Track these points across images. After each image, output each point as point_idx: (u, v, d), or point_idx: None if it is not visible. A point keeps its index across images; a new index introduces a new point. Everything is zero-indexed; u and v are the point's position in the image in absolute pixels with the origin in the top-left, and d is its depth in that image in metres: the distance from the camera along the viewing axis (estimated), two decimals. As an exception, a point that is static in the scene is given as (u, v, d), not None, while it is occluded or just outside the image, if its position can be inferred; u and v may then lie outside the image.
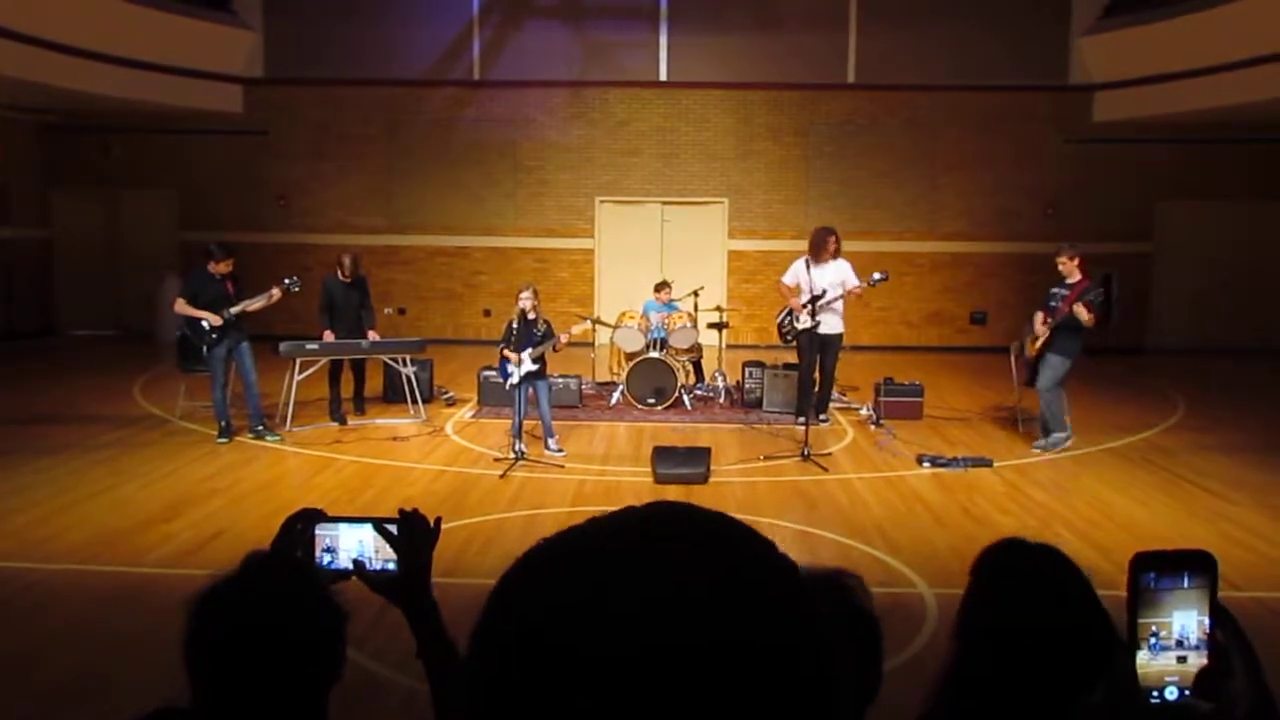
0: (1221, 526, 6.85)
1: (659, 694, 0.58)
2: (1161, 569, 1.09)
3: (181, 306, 8.89)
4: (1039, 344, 9.00)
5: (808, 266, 9.73)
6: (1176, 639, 1.09)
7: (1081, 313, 8.64)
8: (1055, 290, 8.97)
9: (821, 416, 10.04)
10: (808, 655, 0.63)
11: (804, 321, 9.63)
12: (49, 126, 15.84)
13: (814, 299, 9.35)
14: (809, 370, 9.85)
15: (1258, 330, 15.49)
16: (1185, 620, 1.09)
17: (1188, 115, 13.97)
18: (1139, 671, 1.09)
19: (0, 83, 12.46)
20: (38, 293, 16.01)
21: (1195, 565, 1.10)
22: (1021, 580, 1.67)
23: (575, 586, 0.63)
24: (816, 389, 9.95)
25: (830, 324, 9.74)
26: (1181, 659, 1.09)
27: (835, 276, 9.75)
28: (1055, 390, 8.94)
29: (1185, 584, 1.09)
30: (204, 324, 8.82)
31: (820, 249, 9.81)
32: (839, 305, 9.78)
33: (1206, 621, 1.09)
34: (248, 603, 1.51)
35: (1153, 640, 1.09)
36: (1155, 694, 1.09)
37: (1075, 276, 8.89)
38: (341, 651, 1.57)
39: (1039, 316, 9.06)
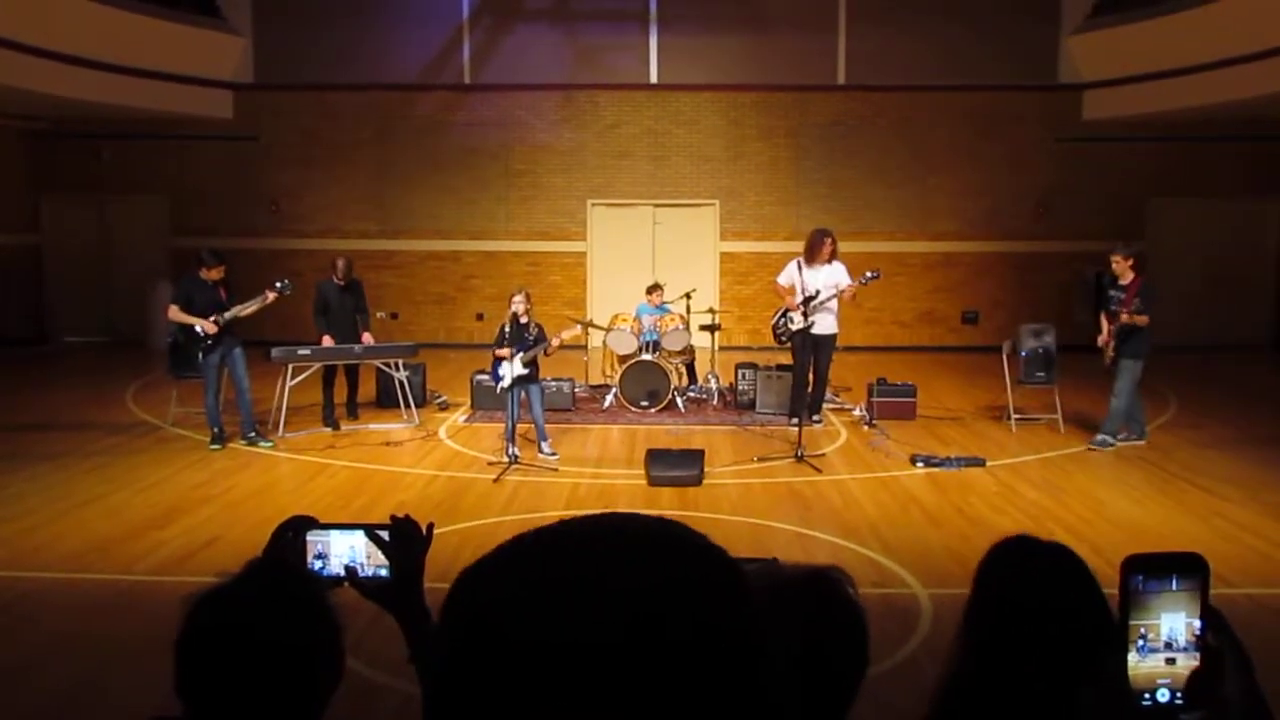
0: (1214, 523, 6.87)
1: (599, 684, 0.61)
2: (1149, 571, 1.09)
3: (175, 313, 8.88)
4: (1110, 353, 8.90)
5: (800, 268, 9.78)
6: (1165, 641, 1.09)
7: (1138, 321, 8.61)
8: (1113, 293, 8.90)
9: (815, 417, 10.05)
10: (744, 647, 0.65)
11: (798, 322, 9.64)
12: (38, 133, 15.79)
13: (808, 300, 9.38)
14: (803, 371, 9.85)
15: (1249, 327, 15.54)
16: (1173, 622, 1.09)
17: (1177, 113, 14.02)
18: (1128, 674, 1.09)
19: (-11, 90, 12.45)
20: (29, 300, 15.95)
21: (1184, 567, 1.10)
22: (1032, 581, 1.66)
23: (522, 583, 0.66)
24: (810, 390, 9.95)
25: (824, 324, 9.74)
26: (1170, 661, 1.09)
27: (829, 278, 9.76)
28: (1132, 393, 8.86)
29: (1173, 586, 1.09)
30: (198, 330, 8.80)
31: (816, 251, 9.82)
32: (833, 305, 9.80)
33: (1196, 624, 1.09)
34: (248, 609, 1.50)
35: (1141, 643, 1.09)
36: (1146, 696, 1.09)
37: (1128, 277, 8.80)
38: (341, 659, 1.57)
39: (1103, 321, 8.97)
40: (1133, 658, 1.09)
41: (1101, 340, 8.95)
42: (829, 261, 9.83)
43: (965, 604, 1.72)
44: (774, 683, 0.66)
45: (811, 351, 9.76)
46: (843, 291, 9.77)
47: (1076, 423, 9.80)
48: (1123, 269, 8.81)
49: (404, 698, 4.14)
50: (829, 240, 9.84)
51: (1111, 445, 8.87)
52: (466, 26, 15.65)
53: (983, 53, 15.26)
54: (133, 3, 13.57)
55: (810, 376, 9.92)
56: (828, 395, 10.61)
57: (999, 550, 1.74)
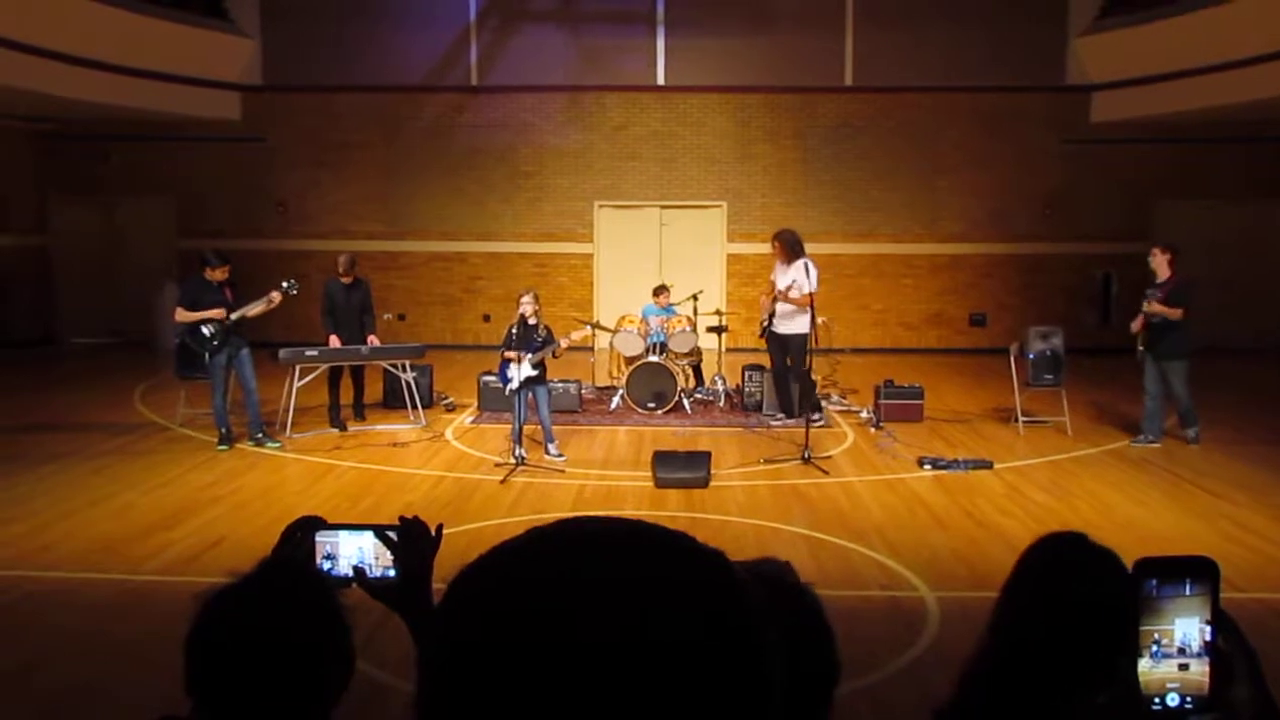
0: (1222, 526, 6.84)
1: (597, 684, 0.61)
2: (1163, 576, 1.09)
3: (181, 314, 8.88)
4: (1140, 346, 9.02)
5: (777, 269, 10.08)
6: (1179, 646, 1.08)
7: (1163, 312, 8.70)
8: (1149, 291, 8.97)
9: (814, 416, 10.04)
10: (745, 644, 0.65)
11: (766, 321, 9.94)
12: (46, 135, 15.84)
13: (775, 299, 9.70)
14: (780, 370, 10.08)
15: (1257, 329, 15.48)
16: (1187, 628, 1.08)
17: (1185, 115, 13.98)
18: (1141, 679, 1.08)
19: (-2, 92, 12.48)
20: (36, 301, 16.00)
21: (1197, 572, 1.09)
22: (1084, 581, 1.62)
23: (520, 585, 0.67)
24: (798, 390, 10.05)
25: (788, 325, 9.78)
26: (1183, 666, 1.08)
27: (792, 278, 9.79)
28: (1184, 390, 8.95)
29: (1187, 591, 1.08)
30: (205, 331, 8.81)
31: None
32: (790, 305, 9.77)
33: (1208, 629, 1.09)
34: (258, 608, 1.50)
35: (1155, 648, 1.08)
36: (1157, 701, 1.08)
37: (1165, 273, 8.88)
38: (351, 660, 1.57)
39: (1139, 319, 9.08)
40: (1147, 663, 1.08)
41: (1135, 326, 9.00)
42: (783, 262, 9.91)
43: (1003, 588, 1.69)
44: (776, 679, 0.66)
45: (782, 351, 9.94)
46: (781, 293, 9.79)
47: (1083, 426, 9.77)
48: (1159, 263, 8.91)
49: (412, 699, 4.14)
50: (775, 243, 10.06)
51: (1195, 438, 9.07)
52: (473, 28, 15.67)
53: (990, 54, 15.24)
54: (140, 4, 13.60)
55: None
56: (836, 397, 10.62)
57: (1051, 543, 1.70)
